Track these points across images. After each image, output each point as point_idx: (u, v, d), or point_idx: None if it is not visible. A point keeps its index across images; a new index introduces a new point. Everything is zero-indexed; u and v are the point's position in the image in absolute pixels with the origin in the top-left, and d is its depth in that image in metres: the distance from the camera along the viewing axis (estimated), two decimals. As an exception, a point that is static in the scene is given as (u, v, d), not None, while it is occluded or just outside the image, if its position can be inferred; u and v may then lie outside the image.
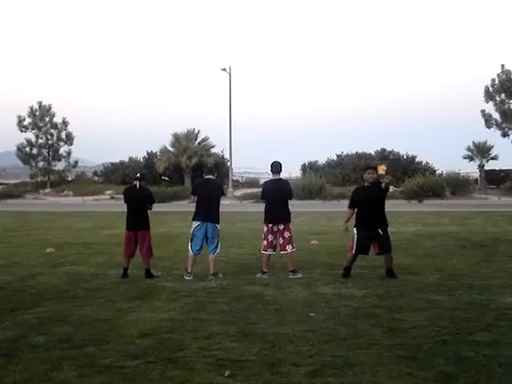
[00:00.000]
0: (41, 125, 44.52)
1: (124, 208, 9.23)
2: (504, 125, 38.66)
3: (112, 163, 45.32)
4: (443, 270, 9.16)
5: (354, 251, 8.59)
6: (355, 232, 8.60)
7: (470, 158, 40.12)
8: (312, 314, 6.26)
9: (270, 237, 8.88)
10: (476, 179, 40.01)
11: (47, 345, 5.24)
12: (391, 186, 32.21)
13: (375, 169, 8.85)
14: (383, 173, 8.46)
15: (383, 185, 8.40)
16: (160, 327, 5.81)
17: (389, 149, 41.98)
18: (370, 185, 8.60)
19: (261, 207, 9.48)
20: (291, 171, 41.88)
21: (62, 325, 5.97)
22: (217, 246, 8.75)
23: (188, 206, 9.02)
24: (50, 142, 44.76)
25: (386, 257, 8.53)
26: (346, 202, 9.12)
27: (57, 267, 9.88)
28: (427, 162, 41.20)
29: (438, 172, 39.39)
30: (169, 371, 4.49)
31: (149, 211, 9.11)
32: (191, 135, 41.84)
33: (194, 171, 39.08)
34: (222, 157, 42.87)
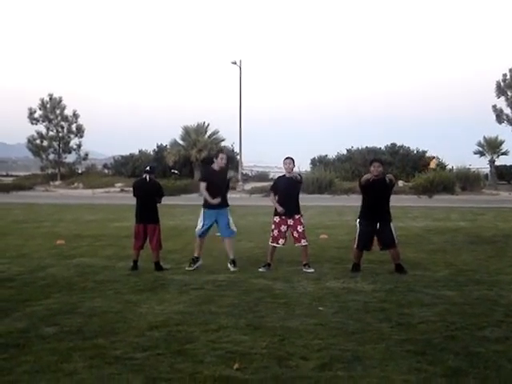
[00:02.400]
0: (51, 117, 44.64)
1: (133, 201, 9.26)
2: (515, 120, 38.44)
3: (122, 156, 45.37)
4: (453, 265, 9.12)
5: (356, 245, 8.59)
6: (358, 225, 8.61)
7: (481, 154, 39.87)
8: (321, 308, 6.26)
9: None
10: (486, 174, 39.73)
11: (57, 336, 5.29)
12: (401, 181, 32.19)
13: (381, 162, 8.83)
14: (434, 167, 8.44)
15: (387, 180, 8.36)
16: (169, 319, 5.84)
17: (399, 144, 41.76)
18: (376, 178, 8.56)
19: (269, 201, 9.47)
20: (301, 165, 41.77)
21: (72, 316, 6.01)
22: (231, 227, 8.99)
23: (198, 199, 9.03)
24: (60, 134, 44.88)
25: (392, 252, 8.51)
26: (356, 197, 9.07)
27: (67, 259, 9.94)
28: (438, 157, 40.93)
29: (449, 167, 39.14)
30: (178, 363, 4.51)
31: (158, 204, 9.15)
32: (201, 129, 41.76)
33: (203, 165, 39.05)
34: (232, 150, 42.82)
